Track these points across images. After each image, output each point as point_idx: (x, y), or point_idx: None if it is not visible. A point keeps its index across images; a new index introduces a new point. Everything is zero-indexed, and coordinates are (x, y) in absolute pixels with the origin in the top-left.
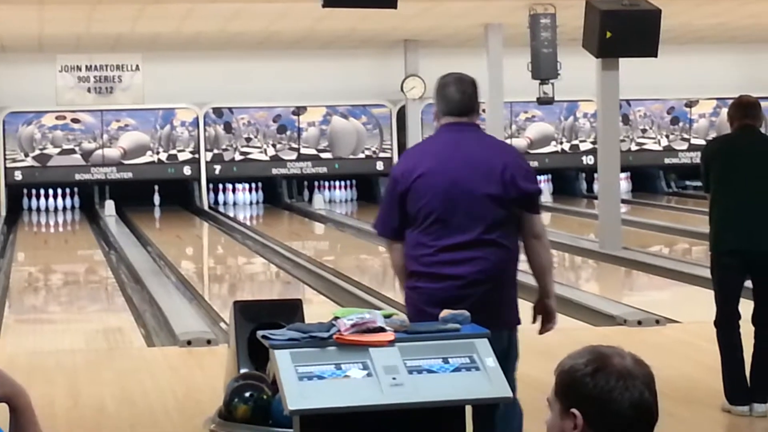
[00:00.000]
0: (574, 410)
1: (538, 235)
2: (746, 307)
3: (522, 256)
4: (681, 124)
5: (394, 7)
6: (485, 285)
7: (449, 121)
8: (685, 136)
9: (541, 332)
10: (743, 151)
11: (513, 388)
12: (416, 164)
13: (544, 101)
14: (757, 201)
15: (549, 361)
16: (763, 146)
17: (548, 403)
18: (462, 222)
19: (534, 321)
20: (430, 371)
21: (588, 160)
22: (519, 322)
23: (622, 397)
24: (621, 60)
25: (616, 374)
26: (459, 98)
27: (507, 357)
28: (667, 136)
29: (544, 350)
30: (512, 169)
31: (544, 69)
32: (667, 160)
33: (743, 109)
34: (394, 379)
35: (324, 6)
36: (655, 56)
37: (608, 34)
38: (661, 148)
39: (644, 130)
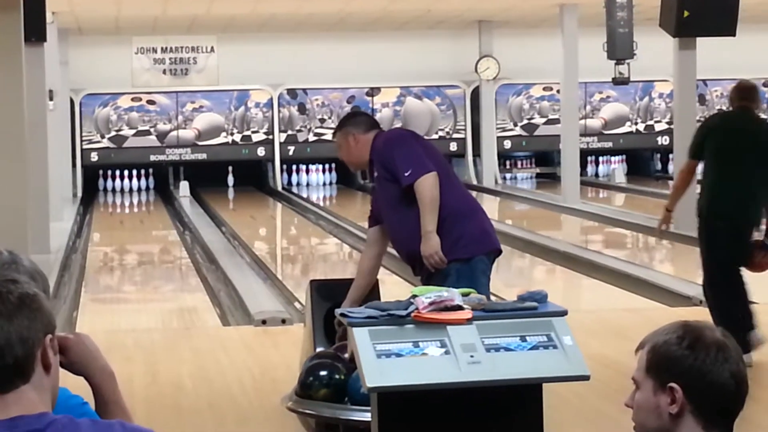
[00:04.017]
0: (672, 384)
1: None
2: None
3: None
4: None
5: None
6: None
7: (378, 132)
8: (763, 116)
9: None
10: (738, 128)
11: None
12: (412, 131)
13: (620, 81)
14: (747, 174)
15: (624, 342)
16: (755, 126)
17: (634, 382)
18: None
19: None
20: (507, 349)
21: (663, 140)
22: None
23: (723, 368)
24: (697, 39)
25: (715, 346)
26: (374, 119)
27: None
28: None
29: (619, 331)
30: None
31: (619, 49)
32: None
33: (741, 92)
34: (471, 357)
35: None
36: (734, 35)
37: (686, 14)
38: None
39: (721, 110)
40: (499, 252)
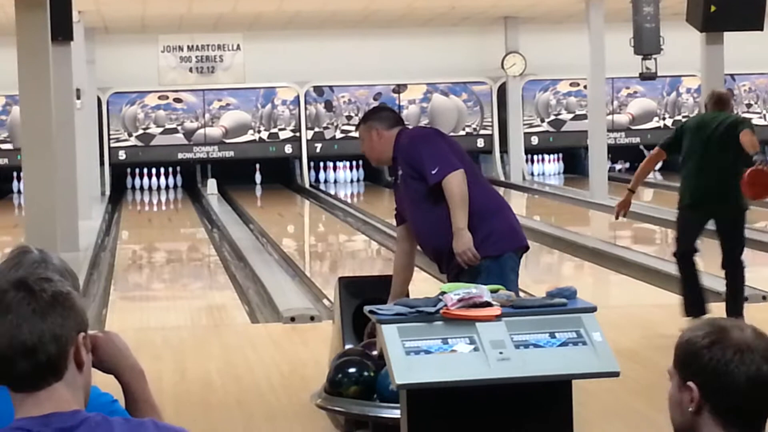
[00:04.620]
0: (690, 383)
1: None
2: None
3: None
4: None
5: None
6: None
7: (401, 128)
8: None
9: None
10: (710, 126)
11: None
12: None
13: (647, 77)
14: (716, 165)
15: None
16: (725, 124)
17: (669, 375)
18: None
19: None
20: (536, 346)
21: None
22: None
23: (738, 370)
24: (725, 33)
25: (734, 347)
26: (398, 115)
27: None
28: None
29: (648, 326)
30: None
31: (646, 44)
32: None
33: (713, 101)
34: (500, 353)
35: None
36: (762, 29)
37: (713, 8)
38: (766, 123)
39: (749, 105)
40: (527, 248)
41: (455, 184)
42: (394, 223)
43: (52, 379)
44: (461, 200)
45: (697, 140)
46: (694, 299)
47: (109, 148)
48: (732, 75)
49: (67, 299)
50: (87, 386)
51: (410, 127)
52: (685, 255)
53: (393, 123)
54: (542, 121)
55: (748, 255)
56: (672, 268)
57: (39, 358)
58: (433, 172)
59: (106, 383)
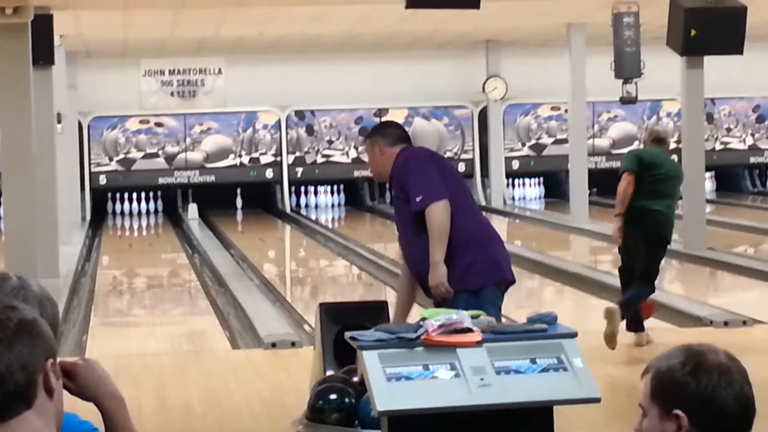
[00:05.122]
0: (677, 411)
1: None
2: None
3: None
4: (767, 122)
5: (477, 7)
6: None
7: (404, 146)
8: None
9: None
10: (663, 163)
11: None
12: (432, 152)
13: (627, 100)
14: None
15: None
16: (674, 164)
17: (641, 408)
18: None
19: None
20: (517, 372)
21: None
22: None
23: (726, 392)
24: (705, 58)
25: (717, 370)
26: (404, 132)
27: None
28: (752, 135)
29: (629, 352)
30: None
31: (627, 68)
32: (752, 159)
33: (653, 138)
34: (481, 379)
35: (407, 7)
36: (741, 53)
37: (693, 32)
38: (746, 147)
39: (729, 129)
40: (511, 282)
41: (436, 215)
42: (377, 247)
43: (22, 407)
44: (440, 232)
45: (660, 175)
46: (634, 315)
47: (90, 172)
48: (712, 99)
49: (34, 326)
50: (59, 413)
51: (471, 145)
52: (625, 272)
53: (396, 140)
54: (523, 145)
55: (727, 279)
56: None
57: (7, 387)
58: (418, 199)
59: (86, 411)
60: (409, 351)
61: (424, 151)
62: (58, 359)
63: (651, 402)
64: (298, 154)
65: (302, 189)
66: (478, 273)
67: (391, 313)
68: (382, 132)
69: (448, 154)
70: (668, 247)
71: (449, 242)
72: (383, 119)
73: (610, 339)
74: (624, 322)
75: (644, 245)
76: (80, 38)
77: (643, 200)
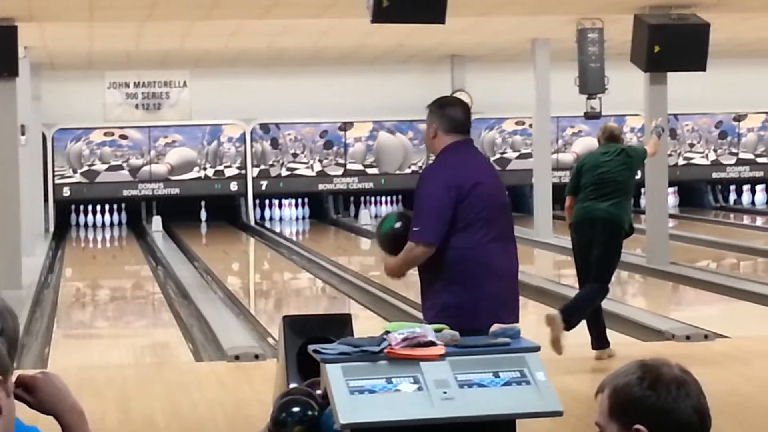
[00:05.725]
0: (638, 426)
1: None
2: None
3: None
4: (729, 138)
5: (443, 22)
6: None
7: (457, 138)
8: (734, 150)
9: None
10: (607, 161)
11: None
12: (467, 176)
13: (592, 116)
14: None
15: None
16: (619, 158)
17: (598, 427)
18: (503, 225)
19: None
20: (480, 385)
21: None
22: None
23: (685, 404)
24: (668, 74)
25: (675, 383)
26: (463, 118)
27: None
28: (715, 151)
29: (592, 365)
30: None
31: (591, 83)
32: (714, 175)
33: (606, 136)
34: (444, 393)
35: (372, 21)
36: (704, 70)
37: (656, 49)
38: (708, 163)
39: (692, 145)
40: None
41: (413, 253)
42: (341, 260)
43: None
44: (403, 265)
45: (601, 172)
46: (599, 333)
47: (54, 184)
48: (675, 114)
49: None
50: (9, 430)
51: (467, 140)
52: (582, 276)
53: (450, 128)
54: (488, 159)
55: (690, 294)
56: (614, 307)
57: None
58: (414, 229)
59: (46, 425)
60: (373, 364)
61: (450, 174)
62: (18, 372)
63: (609, 419)
64: (262, 167)
65: (267, 202)
66: (452, 316)
67: (356, 326)
68: (441, 112)
69: (413, 168)
70: (632, 260)
71: (434, 271)
72: (348, 133)
73: (555, 344)
74: (590, 341)
75: (596, 247)
76: (45, 50)
77: (587, 202)
